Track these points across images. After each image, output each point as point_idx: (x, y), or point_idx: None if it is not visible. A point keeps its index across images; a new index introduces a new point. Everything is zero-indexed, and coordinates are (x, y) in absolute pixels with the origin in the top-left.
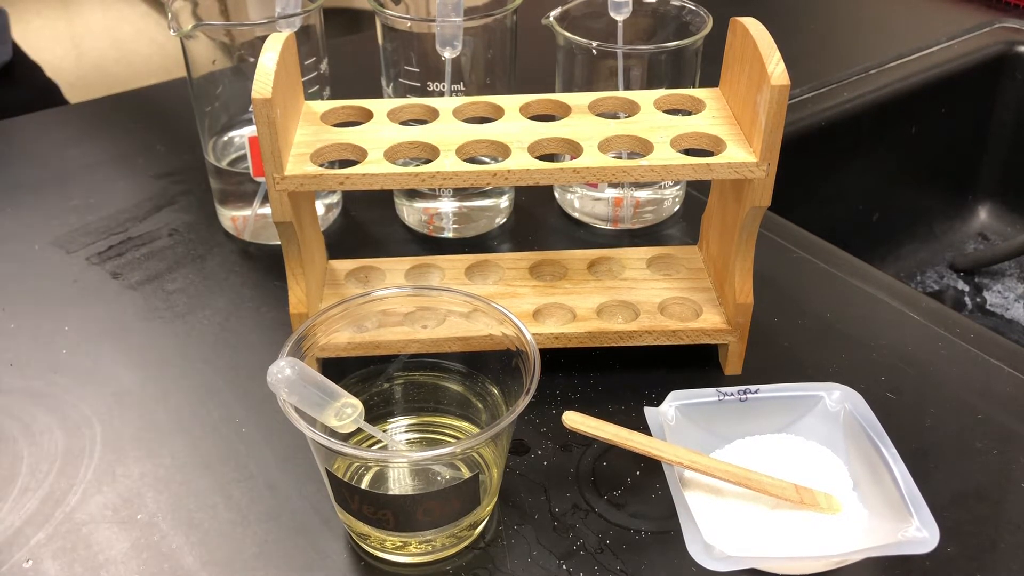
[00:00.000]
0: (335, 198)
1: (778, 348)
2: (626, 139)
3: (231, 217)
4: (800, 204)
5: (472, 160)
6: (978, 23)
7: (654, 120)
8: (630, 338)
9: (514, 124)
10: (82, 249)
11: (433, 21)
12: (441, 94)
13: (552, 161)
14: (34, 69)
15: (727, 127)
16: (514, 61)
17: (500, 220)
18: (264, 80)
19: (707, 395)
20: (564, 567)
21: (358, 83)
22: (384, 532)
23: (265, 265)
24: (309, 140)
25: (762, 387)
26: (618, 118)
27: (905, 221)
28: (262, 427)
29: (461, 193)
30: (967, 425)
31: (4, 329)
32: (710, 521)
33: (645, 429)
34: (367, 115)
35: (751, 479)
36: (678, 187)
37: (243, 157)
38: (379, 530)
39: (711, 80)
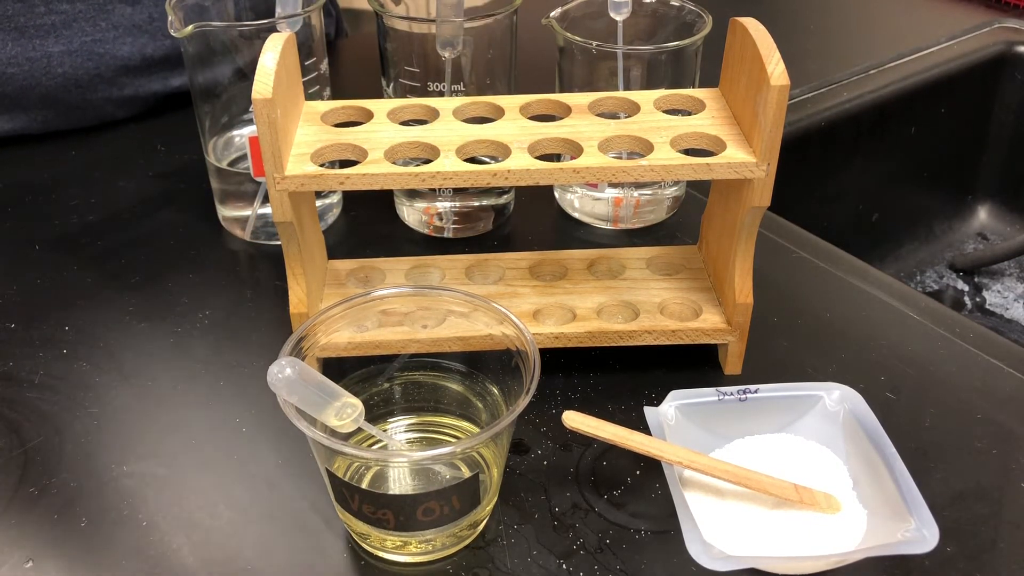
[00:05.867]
0: (335, 198)
1: (778, 348)
2: (626, 139)
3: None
4: (800, 204)
5: (472, 160)
6: (978, 23)
7: (654, 120)
8: (630, 338)
9: (514, 124)
10: (82, 249)
11: (433, 21)
12: (441, 94)
13: (552, 161)
14: None
15: (727, 127)
16: (514, 61)
17: (501, 220)
18: (264, 80)
19: (707, 395)
20: (564, 567)
21: (358, 83)
22: (384, 532)
23: (265, 265)
24: (309, 140)
25: (762, 387)
26: (618, 118)
27: (905, 221)
28: (262, 427)
29: (461, 193)
30: (967, 425)
31: (4, 329)
32: (710, 521)
33: (645, 429)
34: (367, 115)
35: (751, 479)
36: (678, 187)
37: (243, 157)
38: (379, 530)
39: (711, 80)
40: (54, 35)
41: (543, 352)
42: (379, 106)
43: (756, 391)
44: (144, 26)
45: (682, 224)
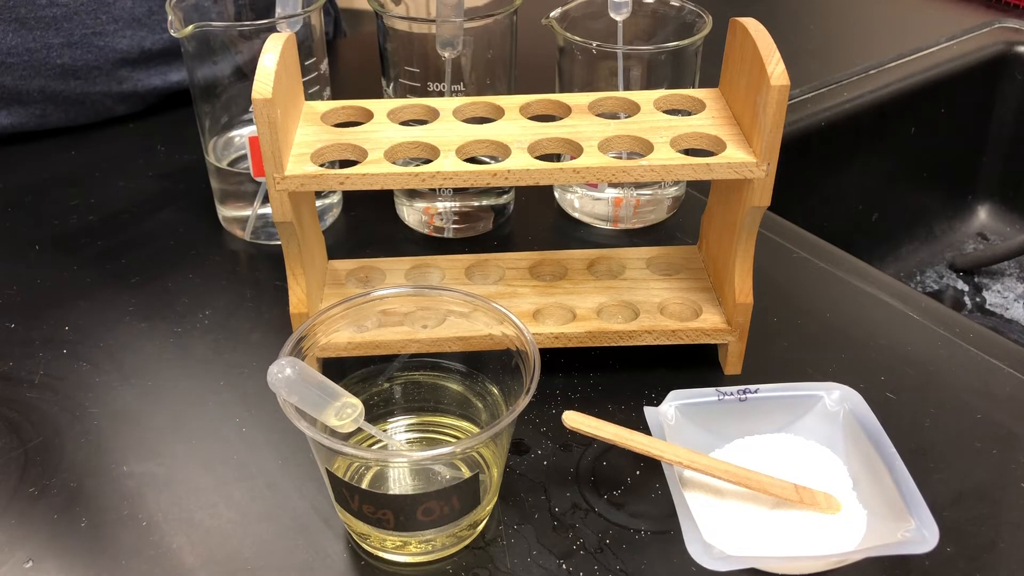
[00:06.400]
0: (335, 198)
1: (778, 348)
2: (626, 139)
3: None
4: (800, 204)
5: (472, 160)
6: (978, 23)
7: (654, 120)
8: (630, 338)
9: (514, 124)
10: (82, 249)
11: (433, 21)
12: (441, 94)
13: (552, 161)
14: None
15: (727, 127)
16: (514, 61)
17: (501, 220)
18: (264, 80)
19: (707, 395)
20: (564, 567)
21: (358, 83)
22: (384, 532)
23: (265, 265)
24: (309, 140)
25: (762, 387)
26: (618, 118)
27: (905, 221)
28: (262, 427)
29: (461, 193)
30: (966, 425)
31: (4, 329)
32: (710, 521)
33: (645, 429)
34: (367, 115)
35: (751, 479)
36: (678, 187)
37: (243, 157)
38: (379, 530)
39: (711, 80)
40: (55, 27)
41: (543, 352)
42: (379, 106)
43: (756, 391)
44: (143, 19)
45: (682, 224)
